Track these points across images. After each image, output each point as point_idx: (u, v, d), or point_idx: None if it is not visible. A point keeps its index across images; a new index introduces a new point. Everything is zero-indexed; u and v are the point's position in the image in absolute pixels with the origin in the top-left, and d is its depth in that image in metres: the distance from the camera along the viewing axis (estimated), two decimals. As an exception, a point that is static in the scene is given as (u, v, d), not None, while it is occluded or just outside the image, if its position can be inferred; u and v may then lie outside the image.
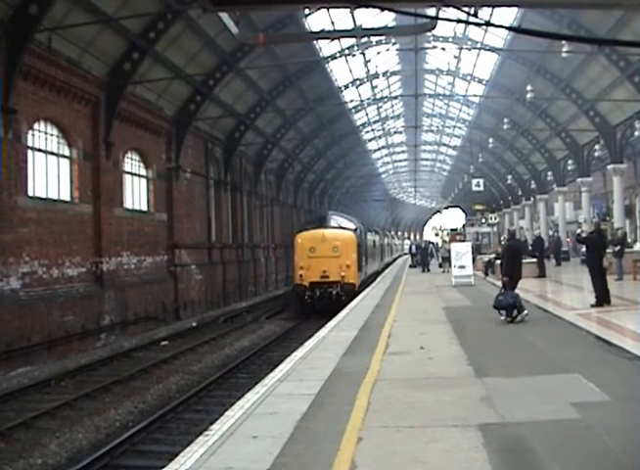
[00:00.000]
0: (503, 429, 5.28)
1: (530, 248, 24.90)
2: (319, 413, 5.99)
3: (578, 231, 20.68)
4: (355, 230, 24.43)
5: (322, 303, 21.71)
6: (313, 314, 21.40)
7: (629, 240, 23.45)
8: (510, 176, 48.11)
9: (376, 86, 40.02)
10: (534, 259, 23.34)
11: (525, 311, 11.82)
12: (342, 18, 26.81)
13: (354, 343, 10.18)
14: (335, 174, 54.27)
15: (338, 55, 31.41)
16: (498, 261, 23.70)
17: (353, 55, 32.75)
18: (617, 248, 18.66)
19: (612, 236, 21.22)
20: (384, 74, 37.83)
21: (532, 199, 45.81)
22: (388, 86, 41.34)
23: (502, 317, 11.72)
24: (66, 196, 17.42)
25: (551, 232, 38.20)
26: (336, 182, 56.71)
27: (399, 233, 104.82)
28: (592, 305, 12.61)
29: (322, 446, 5.03)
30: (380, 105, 44.49)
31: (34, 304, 15.23)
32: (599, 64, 24.72)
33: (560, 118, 32.79)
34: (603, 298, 12.75)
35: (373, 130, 49.58)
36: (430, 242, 50.02)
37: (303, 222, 29.64)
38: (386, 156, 61.41)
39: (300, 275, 22.37)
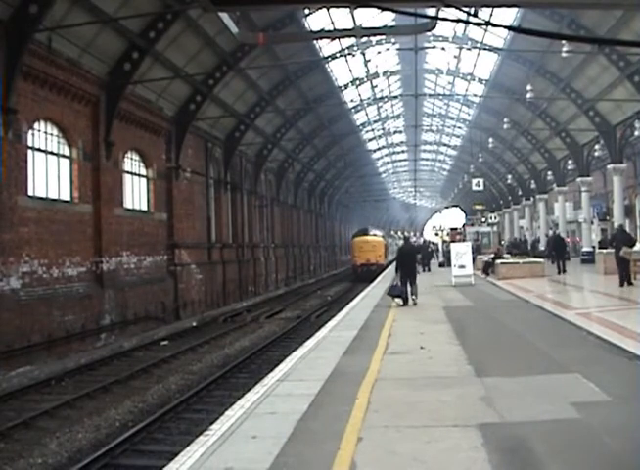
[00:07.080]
0: (503, 429, 5.28)
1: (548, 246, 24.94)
2: (319, 413, 5.99)
3: None
4: (383, 237, 47.30)
5: (366, 274, 38.46)
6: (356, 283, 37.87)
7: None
8: (510, 176, 48.05)
9: (376, 86, 40.02)
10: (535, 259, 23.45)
11: (413, 296, 15.43)
12: (341, 18, 26.84)
13: (354, 342, 10.18)
14: (335, 174, 54.25)
15: (338, 55, 31.41)
16: (498, 261, 24.02)
17: (353, 55, 32.76)
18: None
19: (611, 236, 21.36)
20: (384, 74, 37.87)
21: (532, 199, 45.77)
22: (388, 86, 41.34)
23: (394, 303, 15.22)
24: (66, 196, 17.41)
25: (551, 231, 38.10)
26: (336, 182, 56.69)
27: (417, 233, 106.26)
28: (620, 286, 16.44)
29: (322, 446, 5.02)
30: (380, 105, 44.50)
31: (34, 303, 15.22)
32: (599, 63, 24.69)
33: (560, 118, 32.77)
34: (622, 280, 16.45)
35: (373, 130, 49.59)
36: (430, 241, 50.43)
37: (355, 232, 48.13)
38: (386, 155, 61.39)
39: (355, 260, 43.45)
